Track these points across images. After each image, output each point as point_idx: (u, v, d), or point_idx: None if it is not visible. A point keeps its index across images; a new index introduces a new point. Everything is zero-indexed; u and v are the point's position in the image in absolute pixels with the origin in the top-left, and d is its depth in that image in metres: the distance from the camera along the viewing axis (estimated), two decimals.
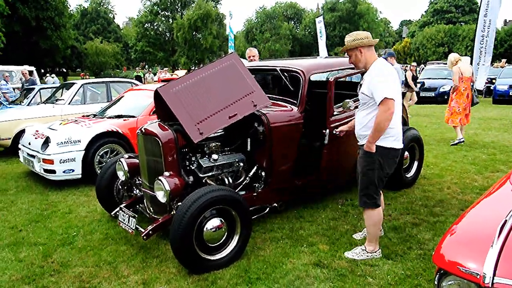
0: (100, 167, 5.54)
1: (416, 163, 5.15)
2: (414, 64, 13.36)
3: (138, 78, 21.59)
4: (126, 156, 4.10)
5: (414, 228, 3.82)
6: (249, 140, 3.85)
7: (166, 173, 3.30)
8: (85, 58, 45.35)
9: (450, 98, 7.79)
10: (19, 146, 6.25)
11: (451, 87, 7.82)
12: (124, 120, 5.93)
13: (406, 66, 21.14)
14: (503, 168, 5.87)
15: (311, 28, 51.44)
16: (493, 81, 16.16)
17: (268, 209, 3.90)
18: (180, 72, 21.80)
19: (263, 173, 3.85)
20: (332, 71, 4.64)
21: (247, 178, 3.80)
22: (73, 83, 8.42)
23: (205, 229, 3.08)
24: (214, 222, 3.13)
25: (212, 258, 3.14)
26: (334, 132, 3.99)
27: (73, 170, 5.46)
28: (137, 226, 3.40)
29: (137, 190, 3.97)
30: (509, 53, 38.98)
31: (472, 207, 2.23)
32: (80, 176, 5.52)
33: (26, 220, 4.39)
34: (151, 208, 3.70)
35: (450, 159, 6.47)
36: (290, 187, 4.08)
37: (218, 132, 3.71)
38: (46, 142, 5.47)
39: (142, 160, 3.73)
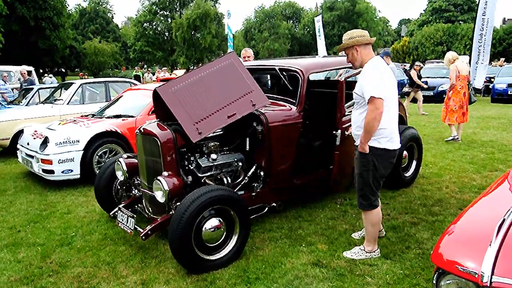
0: (98, 167, 5.53)
1: (414, 162, 5.15)
2: (418, 63, 13.24)
3: (137, 77, 21.56)
4: (125, 156, 4.09)
5: (413, 228, 3.82)
6: (248, 139, 3.85)
7: (165, 173, 3.30)
8: (83, 58, 45.28)
9: (446, 96, 7.81)
10: (18, 146, 6.24)
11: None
12: (122, 120, 5.92)
13: (405, 65, 21.15)
14: (501, 167, 5.87)
15: (310, 27, 51.40)
16: (492, 79, 16.18)
17: (267, 209, 3.90)
18: (179, 72, 21.78)
19: (262, 173, 3.85)
20: (331, 70, 4.63)
21: (246, 178, 3.80)
22: (72, 83, 8.41)
23: (203, 229, 3.08)
24: (213, 222, 3.13)
25: (211, 258, 3.14)
26: (346, 133, 3.91)
27: (71, 170, 5.45)
28: (135, 226, 3.40)
29: (136, 190, 3.97)
30: (507, 52, 38.98)
31: (470, 206, 2.24)
32: (78, 176, 5.51)
33: (25, 220, 4.38)
34: (149, 208, 3.70)
35: (448, 158, 6.48)
36: (289, 186, 4.08)
37: (217, 132, 3.71)
38: (45, 142, 5.46)
39: (141, 160, 3.73)
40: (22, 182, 5.94)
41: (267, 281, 2.98)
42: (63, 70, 44.71)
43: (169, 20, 49.43)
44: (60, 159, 5.36)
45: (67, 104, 7.89)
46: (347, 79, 4.21)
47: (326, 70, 4.84)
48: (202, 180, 3.56)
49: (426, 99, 15.17)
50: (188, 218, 2.92)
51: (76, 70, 49.54)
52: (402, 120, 5.25)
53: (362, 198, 3.19)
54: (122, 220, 3.53)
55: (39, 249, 3.64)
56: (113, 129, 5.70)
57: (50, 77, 19.16)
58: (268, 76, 5.06)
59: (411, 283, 2.89)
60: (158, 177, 3.23)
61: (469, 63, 12.44)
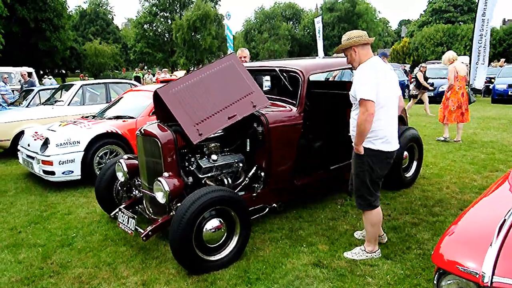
0: (99, 168, 5.53)
1: (415, 163, 5.15)
2: (424, 65, 13.16)
3: (137, 79, 21.58)
4: (125, 157, 4.10)
5: (414, 228, 3.82)
6: (248, 140, 3.85)
7: (166, 174, 3.30)
8: (84, 59, 45.33)
9: (445, 97, 7.82)
10: (18, 147, 6.25)
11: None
12: (123, 121, 5.93)
13: (405, 66, 21.14)
14: (502, 167, 5.87)
15: (310, 28, 51.45)
16: (492, 80, 16.18)
17: (267, 209, 3.90)
18: (179, 73, 21.80)
19: (262, 174, 3.85)
20: (331, 71, 4.64)
21: (246, 179, 3.80)
22: (72, 84, 8.42)
23: (204, 229, 3.08)
24: (214, 223, 3.13)
25: (211, 258, 3.14)
26: None
27: (72, 171, 5.46)
28: (136, 227, 3.41)
29: (137, 191, 3.97)
30: (508, 53, 38.97)
31: (471, 206, 2.24)
32: (79, 177, 5.52)
33: (25, 221, 4.38)
34: (150, 209, 3.70)
35: (449, 158, 6.48)
36: (289, 187, 4.08)
37: (218, 133, 3.71)
38: (45, 143, 5.47)
39: (142, 161, 3.73)
40: (23, 183, 5.94)
41: (267, 281, 2.98)
42: (63, 71, 44.80)
43: (169, 21, 49.45)
44: (60, 160, 5.36)
45: (68, 105, 7.90)
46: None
47: (326, 71, 4.85)
48: (203, 181, 3.57)
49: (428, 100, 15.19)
50: (189, 219, 2.92)
51: (76, 71, 49.60)
52: (402, 121, 5.26)
53: (360, 198, 3.19)
54: (123, 221, 3.53)
55: (40, 250, 3.64)
56: (113, 130, 5.71)
57: (50, 79, 19.17)
58: (264, 77, 5.06)
59: (412, 284, 2.89)
60: (159, 178, 3.23)
61: (469, 63, 12.43)
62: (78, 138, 5.49)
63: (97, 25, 59.17)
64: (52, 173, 5.37)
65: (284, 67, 4.31)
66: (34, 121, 7.45)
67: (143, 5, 49.73)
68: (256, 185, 3.84)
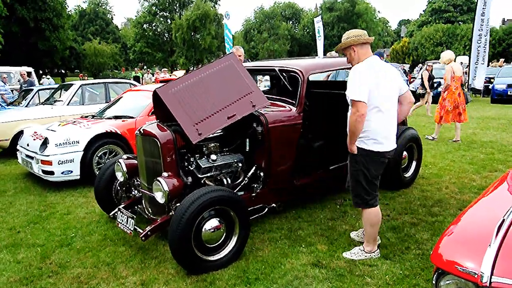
0: (98, 168, 5.53)
1: (414, 163, 5.15)
2: (431, 64, 13.03)
3: (137, 78, 21.57)
4: (124, 157, 4.09)
5: (413, 228, 3.83)
6: (247, 140, 3.85)
7: (165, 174, 3.30)
8: (83, 59, 45.31)
9: (441, 97, 7.82)
10: (18, 147, 6.24)
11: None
12: (122, 121, 5.92)
13: (404, 66, 21.15)
14: (501, 167, 5.88)
15: (310, 28, 51.44)
16: (492, 80, 16.19)
17: (266, 209, 3.90)
18: (179, 73, 21.79)
19: (261, 174, 3.85)
20: (331, 71, 4.64)
21: (246, 179, 3.80)
22: (72, 84, 8.42)
23: (203, 229, 3.08)
24: (213, 223, 3.13)
25: (210, 258, 3.14)
26: None
27: (71, 171, 5.45)
28: (135, 227, 3.40)
29: (136, 191, 3.97)
30: (507, 52, 39.00)
31: (470, 206, 2.24)
32: (78, 177, 5.51)
33: (24, 221, 4.38)
34: (149, 209, 3.70)
35: (448, 158, 6.48)
36: (288, 187, 4.08)
37: (217, 133, 3.71)
38: (45, 143, 5.46)
39: (141, 161, 3.73)
40: (22, 183, 5.94)
41: (266, 281, 2.98)
42: (63, 71, 44.75)
43: (169, 21, 49.44)
44: (60, 160, 5.36)
45: (67, 105, 7.89)
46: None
47: (326, 71, 4.85)
48: (202, 181, 3.56)
49: None
50: (188, 219, 2.92)
51: (76, 71, 49.53)
52: (402, 121, 5.25)
53: (357, 197, 3.20)
54: (122, 221, 3.52)
55: (39, 250, 3.64)
56: (113, 130, 5.71)
57: (48, 79, 19.13)
58: (264, 77, 5.05)
59: (410, 284, 2.89)
60: (158, 178, 3.23)
61: (469, 63, 12.45)
62: (78, 138, 5.48)
63: (97, 24, 59.16)
64: (51, 173, 5.37)
65: (283, 67, 4.31)
66: (33, 121, 7.44)
67: (142, 5, 49.74)
68: (255, 185, 3.84)
